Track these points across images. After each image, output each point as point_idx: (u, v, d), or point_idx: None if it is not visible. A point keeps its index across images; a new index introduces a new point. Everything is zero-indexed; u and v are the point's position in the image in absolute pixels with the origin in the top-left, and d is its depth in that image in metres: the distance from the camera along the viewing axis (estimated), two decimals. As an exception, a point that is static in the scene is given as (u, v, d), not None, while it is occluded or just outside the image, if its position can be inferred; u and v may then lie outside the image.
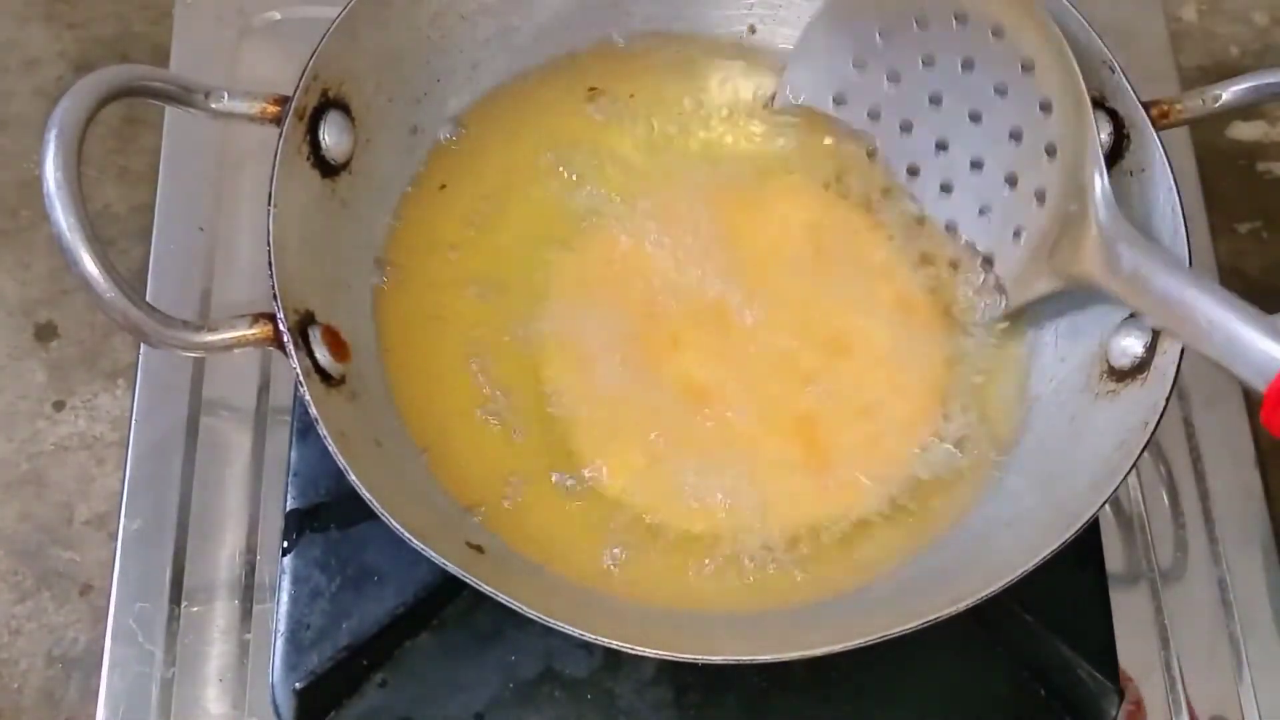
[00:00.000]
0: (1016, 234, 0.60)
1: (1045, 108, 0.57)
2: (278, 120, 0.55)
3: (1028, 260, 0.59)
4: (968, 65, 0.60)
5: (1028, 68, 0.57)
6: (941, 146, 0.62)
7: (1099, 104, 0.59)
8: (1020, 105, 0.58)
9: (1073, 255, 0.56)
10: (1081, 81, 0.56)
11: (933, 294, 0.63)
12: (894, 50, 0.62)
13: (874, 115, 0.64)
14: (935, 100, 0.62)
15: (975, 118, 0.60)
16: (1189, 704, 0.62)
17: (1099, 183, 0.56)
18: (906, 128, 0.63)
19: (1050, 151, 0.57)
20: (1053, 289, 0.58)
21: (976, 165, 0.61)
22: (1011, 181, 0.60)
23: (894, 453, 0.60)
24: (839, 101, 0.65)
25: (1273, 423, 0.49)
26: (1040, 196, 0.58)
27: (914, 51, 0.62)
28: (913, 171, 0.64)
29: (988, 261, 0.61)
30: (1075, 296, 0.61)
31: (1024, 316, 0.62)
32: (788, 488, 0.59)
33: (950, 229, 0.63)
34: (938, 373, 0.62)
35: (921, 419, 0.61)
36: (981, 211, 0.61)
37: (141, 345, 0.66)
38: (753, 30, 0.68)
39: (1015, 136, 0.59)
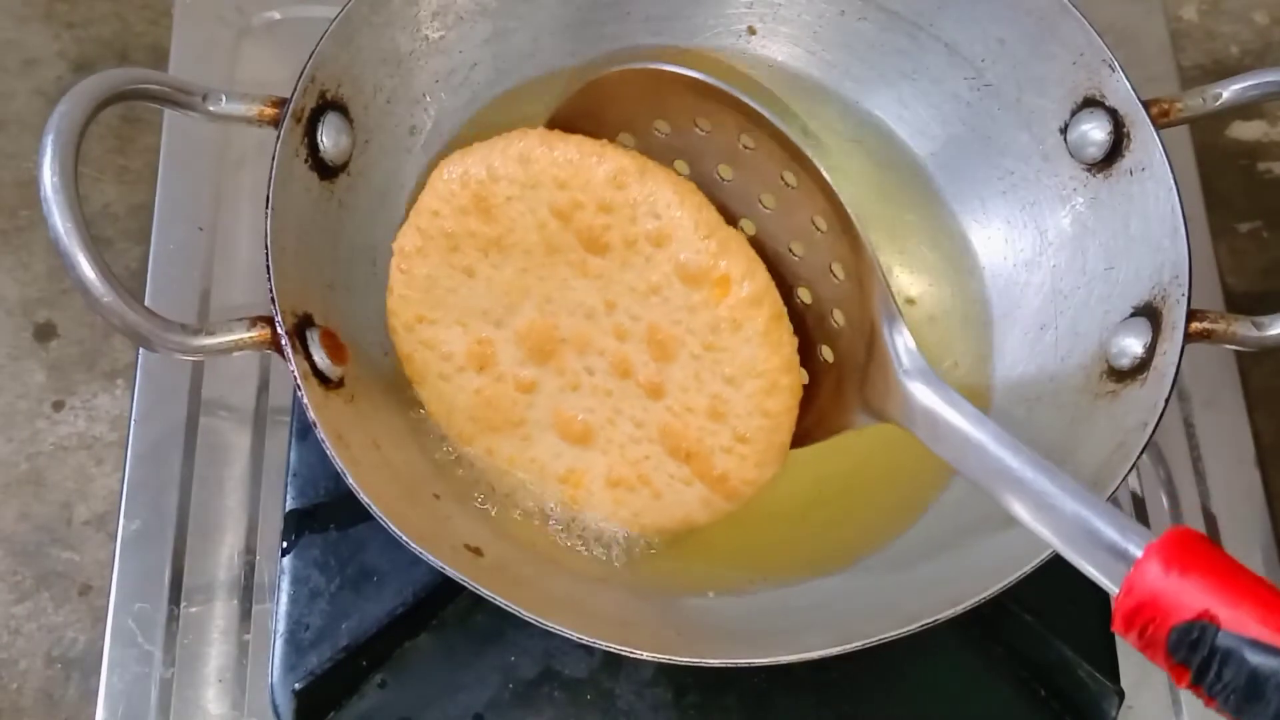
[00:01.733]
0: (826, 354, 0.54)
1: (819, 228, 0.52)
2: (275, 122, 0.55)
3: (843, 384, 0.54)
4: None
5: (789, 184, 0.51)
6: None
7: (1099, 103, 0.59)
8: (791, 218, 0.52)
9: (881, 399, 0.51)
10: (852, 219, 0.50)
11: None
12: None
13: None
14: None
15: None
16: (1189, 705, 0.62)
17: (891, 336, 0.50)
18: None
19: (835, 275, 0.52)
20: (870, 424, 0.53)
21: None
22: (811, 295, 0.54)
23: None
24: None
25: (1129, 638, 0.41)
26: (837, 318, 0.53)
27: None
28: None
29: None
30: (1075, 296, 0.61)
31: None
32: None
33: None
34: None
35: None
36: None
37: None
38: (752, 31, 0.68)
39: (796, 253, 0.53)
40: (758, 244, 0.52)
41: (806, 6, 0.67)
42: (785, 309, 0.52)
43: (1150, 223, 0.58)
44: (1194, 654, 0.39)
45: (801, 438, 0.54)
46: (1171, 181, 0.57)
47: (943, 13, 0.64)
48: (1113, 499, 0.53)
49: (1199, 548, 0.40)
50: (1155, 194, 0.58)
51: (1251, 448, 0.67)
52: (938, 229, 0.66)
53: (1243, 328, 0.55)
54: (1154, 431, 0.53)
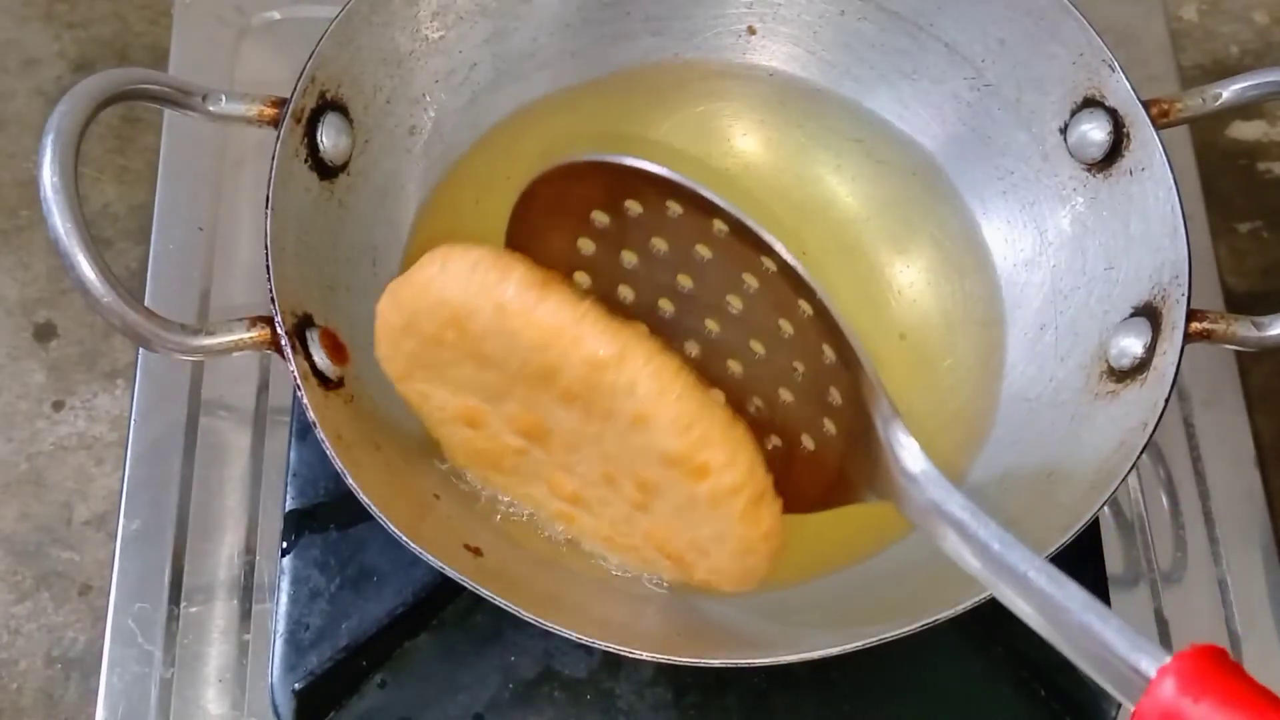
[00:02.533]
0: (831, 428, 0.51)
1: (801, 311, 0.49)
2: (275, 122, 0.55)
3: (841, 462, 0.51)
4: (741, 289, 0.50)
5: (771, 271, 0.48)
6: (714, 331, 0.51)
7: (1099, 103, 0.59)
8: (775, 299, 0.49)
9: (885, 483, 0.48)
10: (840, 322, 0.47)
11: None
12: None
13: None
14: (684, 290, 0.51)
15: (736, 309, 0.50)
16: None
17: (889, 433, 0.47)
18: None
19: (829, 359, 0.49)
20: (878, 502, 0.50)
21: (757, 354, 0.51)
22: (797, 370, 0.50)
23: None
24: None
25: None
26: (829, 393, 0.50)
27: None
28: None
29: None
30: (1075, 296, 0.61)
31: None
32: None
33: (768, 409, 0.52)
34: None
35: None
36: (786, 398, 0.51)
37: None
38: (752, 31, 0.68)
39: (787, 337, 0.50)
40: (747, 319, 0.50)
41: (806, 6, 0.67)
42: (769, 487, 0.50)
43: (1150, 223, 0.58)
44: None
45: (806, 507, 0.52)
46: (1171, 181, 0.57)
47: (943, 13, 0.64)
48: (1112, 500, 0.53)
49: (1224, 669, 0.37)
50: (1155, 194, 0.58)
51: (1251, 448, 0.67)
52: (937, 229, 0.66)
53: (1243, 328, 0.55)
54: (1154, 431, 0.53)
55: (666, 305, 0.51)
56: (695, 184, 0.46)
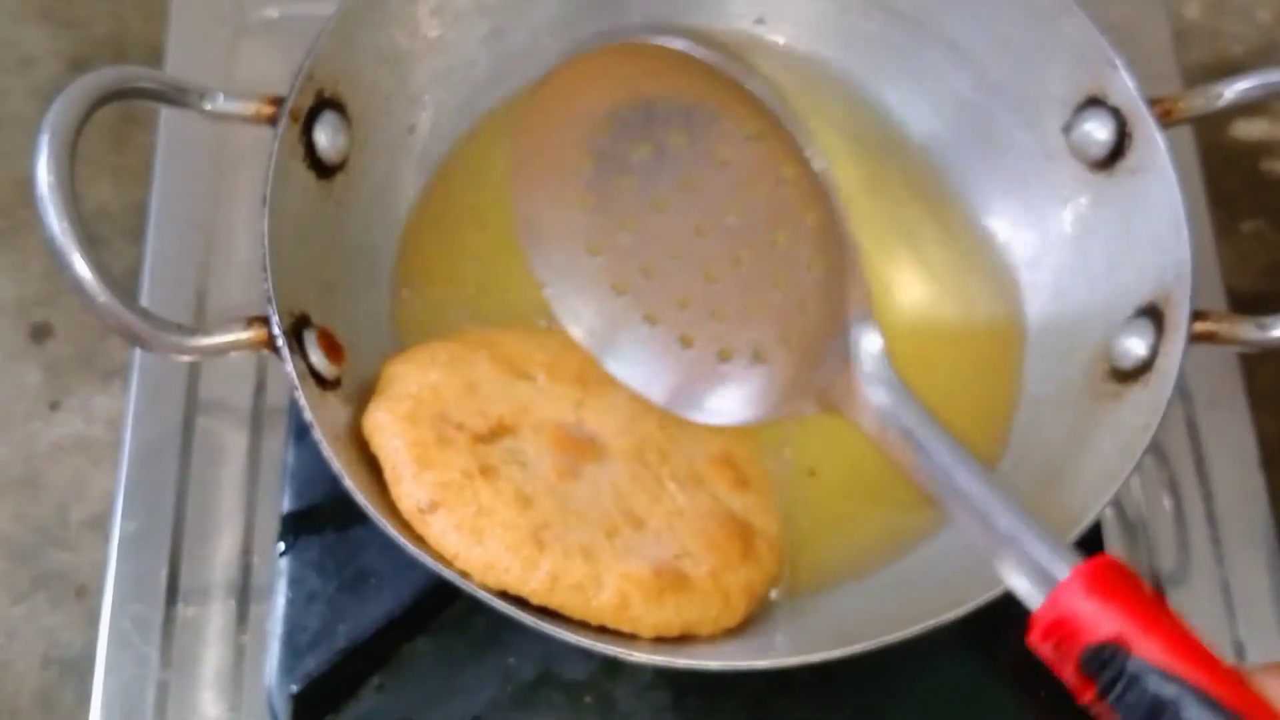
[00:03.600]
0: (785, 342, 0.54)
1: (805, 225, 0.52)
2: (272, 121, 0.55)
3: (797, 373, 0.54)
4: (723, 162, 0.53)
5: (785, 180, 0.51)
6: (700, 234, 0.55)
7: (1102, 102, 0.59)
8: (779, 215, 0.52)
9: (839, 393, 0.52)
10: (842, 219, 0.49)
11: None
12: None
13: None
14: (688, 187, 0.54)
15: (734, 214, 0.54)
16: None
17: (860, 337, 0.50)
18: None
19: (810, 268, 0.52)
20: (820, 413, 0.53)
21: (739, 261, 0.54)
22: (776, 284, 0.54)
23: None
24: (595, 252, 0.57)
25: (1042, 648, 0.44)
26: (803, 308, 0.53)
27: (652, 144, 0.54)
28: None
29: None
30: (1077, 296, 0.61)
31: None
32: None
33: (718, 319, 0.56)
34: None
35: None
36: (749, 311, 0.55)
37: (136, 346, 0.66)
38: (761, 20, 0.68)
39: (775, 243, 0.53)
40: (743, 229, 0.53)
41: (807, 5, 0.67)
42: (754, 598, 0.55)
43: (1153, 223, 0.58)
44: (1103, 673, 0.42)
45: (741, 415, 0.56)
46: (1174, 181, 0.57)
47: (945, 11, 0.64)
48: (1115, 501, 0.53)
49: (1120, 577, 0.43)
50: (1158, 193, 0.57)
51: (1255, 449, 0.67)
52: (939, 228, 0.65)
53: (1246, 329, 0.55)
54: (1157, 432, 0.53)
55: (664, 205, 0.55)
56: (721, 60, 0.49)
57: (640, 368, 0.57)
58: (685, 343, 0.56)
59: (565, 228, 0.57)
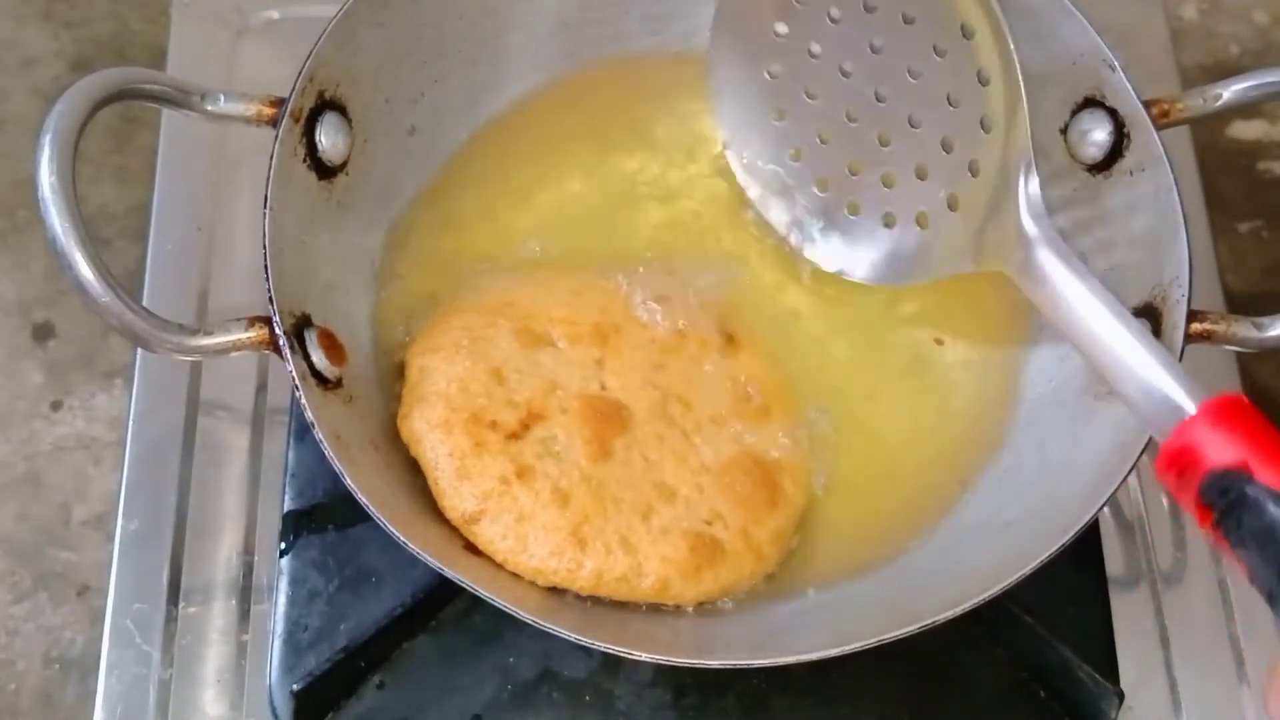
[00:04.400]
0: (951, 204, 0.59)
1: (983, 80, 0.56)
2: (274, 122, 0.55)
3: (960, 233, 0.58)
4: (908, 20, 0.57)
5: (968, 34, 0.55)
6: (880, 99, 0.60)
7: (1099, 103, 0.59)
8: (957, 71, 0.56)
9: (996, 245, 0.56)
10: (1017, 65, 0.54)
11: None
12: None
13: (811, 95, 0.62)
14: (875, 49, 0.59)
15: (914, 74, 0.58)
16: (1189, 706, 0.62)
17: (1024, 181, 0.55)
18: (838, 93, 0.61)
19: (985, 127, 0.56)
20: (975, 270, 0.58)
21: (914, 125, 0.59)
22: (947, 147, 0.58)
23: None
24: (780, 115, 0.63)
25: (1167, 477, 0.46)
26: (974, 169, 0.57)
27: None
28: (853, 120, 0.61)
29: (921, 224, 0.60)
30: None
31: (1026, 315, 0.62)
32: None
33: (887, 185, 0.61)
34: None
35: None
36: (919, 175, 0.60)
37: (138, 346, 0.66)
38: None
39: (952, 103, 0.57)
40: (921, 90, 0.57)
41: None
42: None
43: (1150, 223, 0.58)
44: (1223, 498, 0.43)
45: (902, 277, 0.61)
46: (1171, 181, 0.57)
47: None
48: (1113, 500, 0.53)
49: (1246, 412, 0.45)
50: (1155, 194, 0.58)
51: (1252, 449, 0.67)
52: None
53: (1243, 328, 0.55)
54: (1155, 432, 0.53)
55: (847, 67, 0.59)
56: None
57: (810, 230, 0.63)
58: (852, 210, 0.61)
59: (755, 89, 0.62)
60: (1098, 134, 0.60)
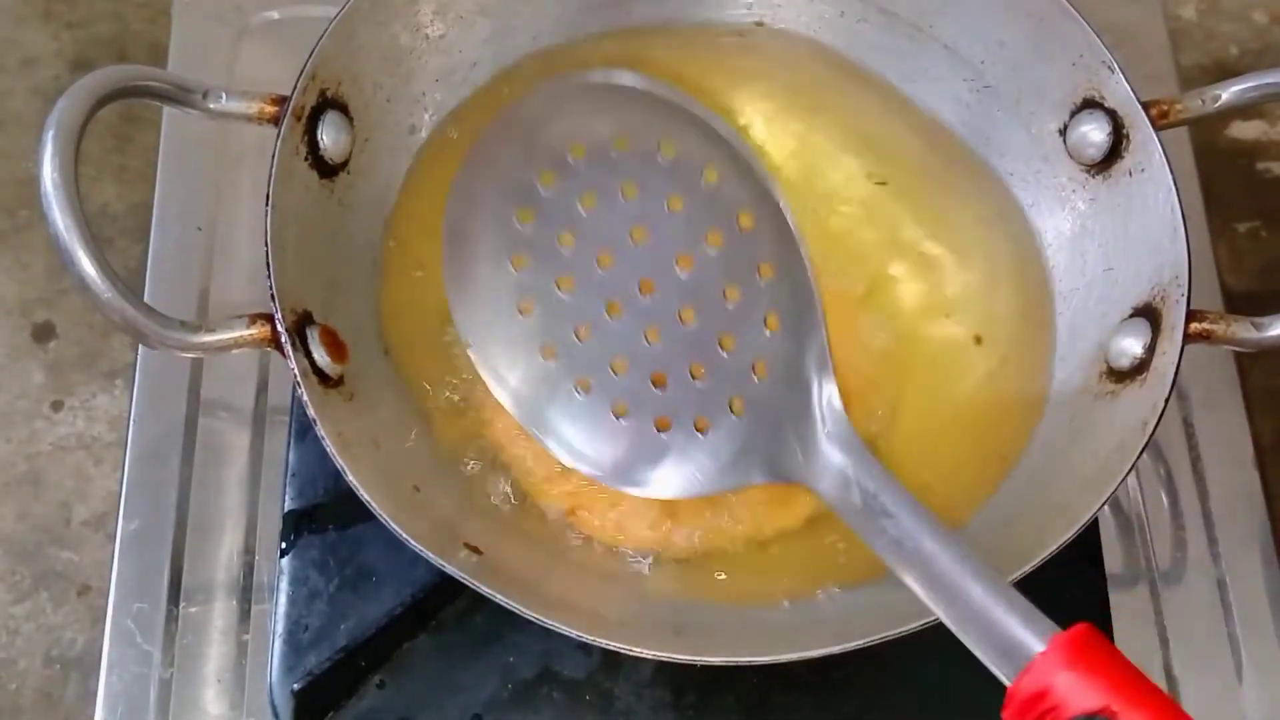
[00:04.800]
0: (733, 409, 0.53)
1: (762, 275, 0.50)
2: (276, 120, 0.55)
3: (747, 440, 0.53)
4: (680, 198, 0.51)
5: (746, 226, 0.50)
6: (644, 291, 0.53)
7: (1098, 104, 0.59)
8: (734, 261, 0.51)
9: (791, 457, 0.50)
10: (808, 267, 0.48)
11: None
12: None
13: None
14: (636, 233, 0.52)
15: (685, 263, 0.52)
16: (1188, 706, 0.62)
17: (820, 393, 0.49)
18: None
19: (769, 325, 0.51)
20: (771, 482, 0.52)
21: (685, 320, 0.53)
22: (725, 347, 0.52)
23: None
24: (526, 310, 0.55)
25: None
26: (758, 371, 0.52)
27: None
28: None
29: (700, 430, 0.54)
30: (1074, 297, 0.61)
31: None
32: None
33: (657, 385, 0.54)
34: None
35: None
36: (694, 374, 0.53)
37: (140, 345, 0.66)
38: (760, 24, 0.68)
39: (729, 298, 0.52)
40: (692, 284, 0.51)
41: (805, 7, 0.67)
42: None
43: (1149, 223, 0.58)
44: None
45: (683, 489, 0.54)
46: (1171, 182, 0.57)
47: (942, 14, 0.64)
48: (1112, 499, 0.53)
49: (1100, 646, 0.41)
50: (1154, 194, 0.58)
51: (1250, 448, 0.67)
52: (936, 230, 0.65)
53: (1242, 329, 0.55)
54: (1154, 432, 0.53)
55: (606, 259, 0.52)
56: (680, 95, 0.48)
57: (570, 439, 0.55)
58: (618, 412, 0.54)
59: (495, 281, 0.54)
60: (1096, 135, 0.60)
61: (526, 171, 0.51)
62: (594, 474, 0.54)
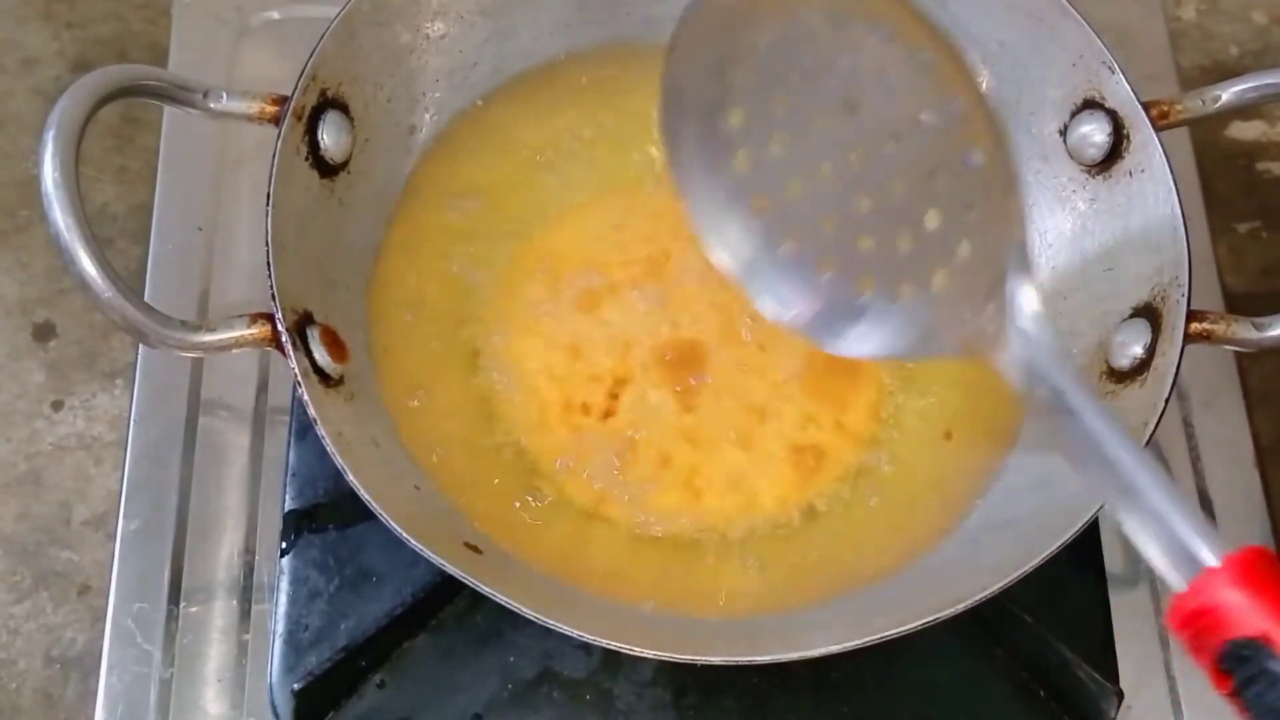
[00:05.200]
0: (930, 281, 0.52)
1: (970, 163, 0.50)
2: (276, 120, 0.55)
3: (937, 317, 0.52)
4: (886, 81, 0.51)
5: (955, 112, 0.50)
6: (855, 164, 0.53)
7: (1098, 104, 0.59)
8: (943, 145, 0.51)
9: (985, 339, 0.50)
10: (1011, 157, 0.49)
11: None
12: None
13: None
14: (851, 108, 0.52)
15: (897, 138, 0.52)
16: (1188, 706, 0.62)
17: (1018, 283, 0.49)
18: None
19: (972, 209, 0.51)
20: (960, 358, 0.52)
21: (892, 195, 0.53)
22: (930, 223, 0.52)
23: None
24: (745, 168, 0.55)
25: (1182, 634, 0.41)
26: (958, 252, 0.51)
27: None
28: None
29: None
30: (1075, 297, 0.61)
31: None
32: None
33: (861, 249, 0.54)
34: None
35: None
36: (898, 245, 0.53)
37: (140, 345, 0.66)
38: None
39: (935, 176, 0.52)
40: (901, 161, 0.51)
41: (806, 6, 0.67)
42: None
43: (1149, 224, 0.58)
44: (1243, 668, 0.39)
45: (871, 350, 0.54)
46: (1171, 183, 0.57)
47: (941, 15, 0.64)
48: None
49: (1272, 570, 0.40)
50: (1154, 195, 0.58)
51: (1251, 448, 0.67)
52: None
53: (1242, 329, 0.55)
54: (1154, 432, 0.53)
55: (821, 125, 0.53)
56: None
57: (776, 289, 0.55)
58: (822, 269, 0.54)
59: (711, 136, 0.54)
60: (1097, 135, 0.60)
61: (748, 33, 0.52)
62: (797, 327, 0.55)
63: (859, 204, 0.53)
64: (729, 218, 0.55)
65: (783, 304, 0.55)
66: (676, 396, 0.60)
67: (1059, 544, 0.51)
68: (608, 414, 0.60)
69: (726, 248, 0.55)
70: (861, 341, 0.54)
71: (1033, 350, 0.48)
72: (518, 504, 0.58)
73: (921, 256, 0.52)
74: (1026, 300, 0.49)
